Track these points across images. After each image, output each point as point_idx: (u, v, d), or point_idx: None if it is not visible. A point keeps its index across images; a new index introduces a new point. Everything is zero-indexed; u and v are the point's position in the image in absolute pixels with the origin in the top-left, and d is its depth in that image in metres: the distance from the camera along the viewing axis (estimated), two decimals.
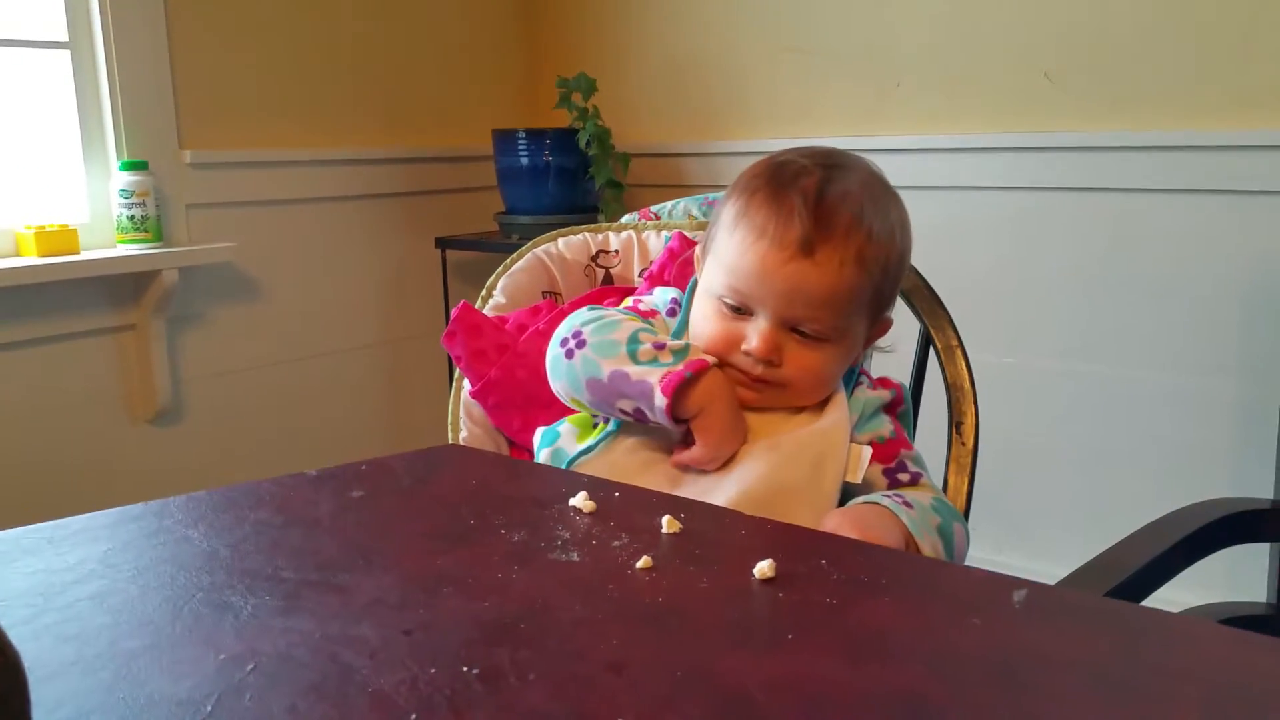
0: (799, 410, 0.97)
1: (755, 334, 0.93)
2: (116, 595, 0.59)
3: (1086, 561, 1.15)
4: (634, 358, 0.93)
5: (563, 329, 0.99)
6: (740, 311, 0.94)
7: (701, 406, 0.91)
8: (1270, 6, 1.91)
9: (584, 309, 1.01)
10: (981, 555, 0.72)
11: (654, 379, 0.91)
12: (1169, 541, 1.21)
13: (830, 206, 0.91)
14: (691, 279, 1.05)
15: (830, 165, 0.95)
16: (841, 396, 0.97)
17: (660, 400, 0.90)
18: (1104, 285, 2.15)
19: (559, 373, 0.98)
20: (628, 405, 0.93)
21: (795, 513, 0.84)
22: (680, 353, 0.94)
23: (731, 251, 0.94)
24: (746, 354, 0.93)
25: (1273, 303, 1.90)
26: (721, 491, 0.90)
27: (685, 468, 0.94)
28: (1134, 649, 0.52)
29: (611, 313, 1.00)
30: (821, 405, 0.97)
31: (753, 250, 0.92)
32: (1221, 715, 0.45)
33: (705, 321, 0.97)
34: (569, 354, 0.96)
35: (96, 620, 0.56)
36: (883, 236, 0.93)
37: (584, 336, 0.96)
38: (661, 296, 1.06)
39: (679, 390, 0.90)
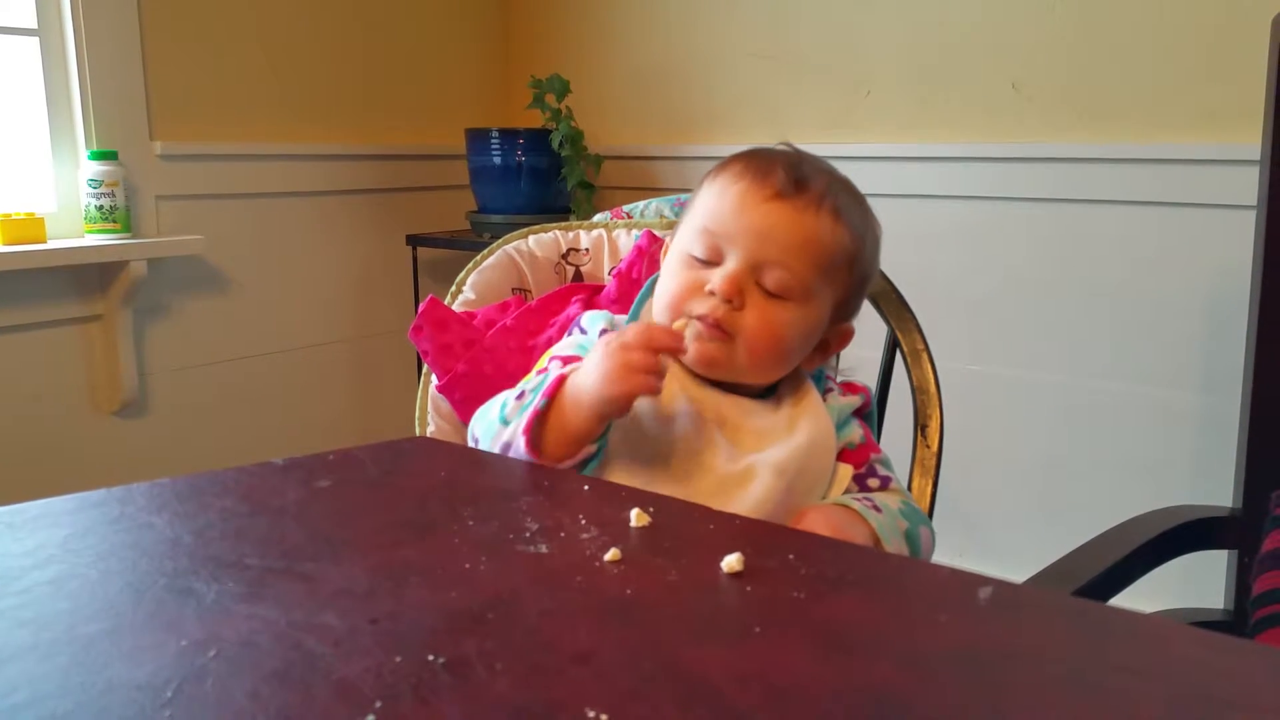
0: (777, 406, 0.97)
1: (719, 275, 0.91)
2: (76, 580, 0.58)
3: (1047, 566, 1.16)
4: (505, 422, 0.91)
5: (469, 440, 0.97)
6: (708, 265, 0.93)
7: (576, 400, 0.88)
8: (1234, 24, 1.93)
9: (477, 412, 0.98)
10: (942, 559, 0.73)
11: (519, 432, 0.88)
12: (1129, 547, 1.23)
13: (810, 172, 0.94)
14: (649, 280, 1.04)
15: (806, 153, 0.98)
16: (819, 400, 0.98)
17: (520, 443, 0.88)
18: (1068, 295, 2.17)
19: None
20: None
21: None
22: (537, 388, 0.91)
23: (709, 199, 0.95)
24: (710, 293, 0.91)
25: (1233, 314, 1.93)
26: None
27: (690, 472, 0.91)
28: (1099, 646, 0.52)
29: (493, 400, 0.97)
30: (796, 400, 0.97)
31: (732, 189, 0.93)
32: (1185, 713, 0.46)
33: (670, 278, 0.96)
34: None
35: (55, 605, 0.55)
36: (857, 219, 0.95)
37: (475, 434, 0.95)
38: (593, 327, 1.02)
39: (542, 421, 0.88)
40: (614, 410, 0.87)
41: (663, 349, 0.86)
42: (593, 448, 0.89)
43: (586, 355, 0.91)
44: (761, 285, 0.92)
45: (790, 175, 0.92)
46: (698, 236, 0.94)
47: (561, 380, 0.89)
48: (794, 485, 0.91)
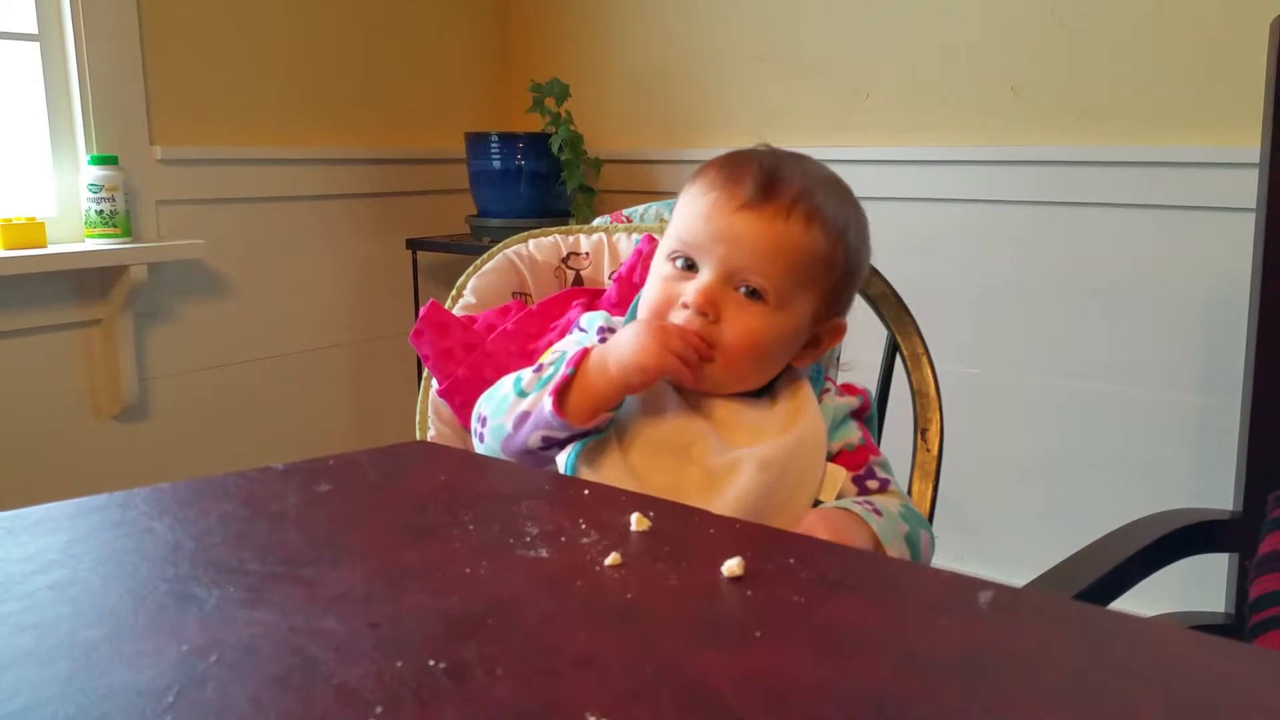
0: (773, 405, 0.97)
1: (692, 288, 0.92)
2: (77, 585, 0.58)
3: (1047, 570, 1.16)
4: (523, 394, 0.94)
5: (473, 423, 1.00)
6: (688, 269, 0.94)
7: (602, 368, 0.91)
8: (1233, 27, 1.94)
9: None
10: (942, 563, 0.73)
11: (545, 395, 0.91)
12: (1129, 551, 1.23)
13: (783, 177, 0.93)
14: (637, 295, 1.05)
15: (785, 154, 0.97)
16: (813, 400, 0.98)
17: (547, 405, 0.90)
18: (1068, 298, 2.17)
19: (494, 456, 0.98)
20: (538, 436, 0.92)
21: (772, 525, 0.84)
22: (558, 360, 0.94)
23: (684, 208, 0.96)
24: (684, 306, 0.93)
25: (1232, 317, 1.93)
26: (716, 506, 0.88)
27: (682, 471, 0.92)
28: (1099, 650, 0.52)
29: (502, 380, 0.99)
30: (790, 398, 0.97)
31: (704, 198, 0.94)
32: (1185, 717, 0.46)
33: (651, 287, 0.97)
34: (482, 439, 0.97)
35: (56, 610, 0.55)
36: (834, 216, 0.94)
37: (483, 413, 0.97)
38: (592, 327, 1.04)
39: (567, 388, 0.91)
40: (639, 380, 0.90)
41: (696, 348, 0.90)
42: (609, 415, 0.92)
43: (621, 329, 0.94)
44: (738, 291, 0.93)
45: (759, 183, 0.92)
46: (674, 244, 0.95)
47: (586, 352, 0.92)
48: (779, 480, 0.91)
